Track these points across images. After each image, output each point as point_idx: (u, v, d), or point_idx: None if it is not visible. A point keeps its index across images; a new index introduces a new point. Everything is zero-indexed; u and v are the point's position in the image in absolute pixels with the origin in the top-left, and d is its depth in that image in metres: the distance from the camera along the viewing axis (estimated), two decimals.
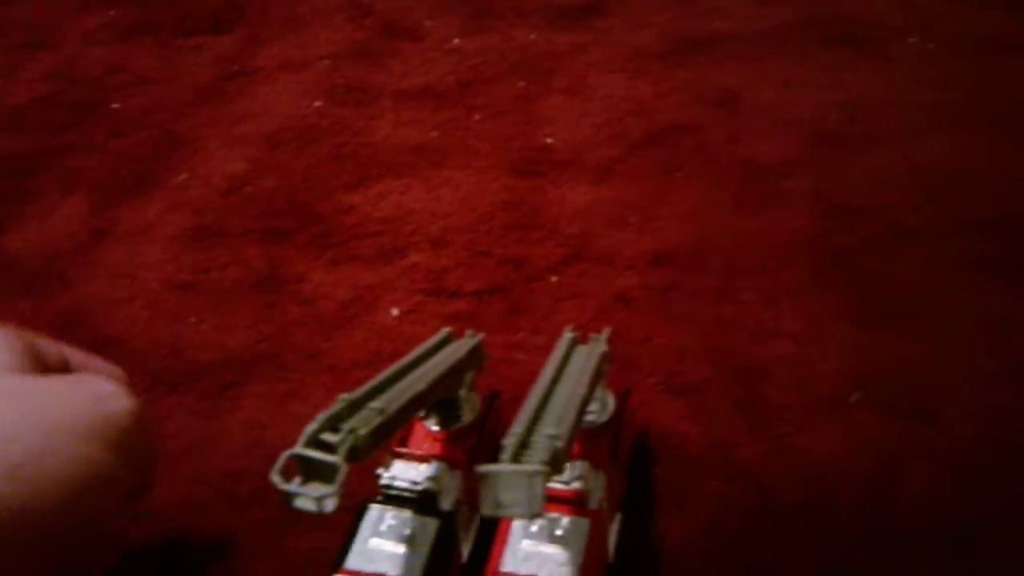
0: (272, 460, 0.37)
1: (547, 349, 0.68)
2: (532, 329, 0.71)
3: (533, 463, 0.37)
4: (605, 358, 0.54)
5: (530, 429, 0.42)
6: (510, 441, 0.39)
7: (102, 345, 0.72)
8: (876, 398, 0.63)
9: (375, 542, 0.48)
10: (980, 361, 0.64)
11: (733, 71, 0.98)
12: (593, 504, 0.51)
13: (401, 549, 0.48)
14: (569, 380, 0.48)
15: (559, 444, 0.39)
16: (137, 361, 0.70)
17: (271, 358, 0.70)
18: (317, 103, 0.99)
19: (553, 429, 0.40)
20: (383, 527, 0.49)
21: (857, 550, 0.54)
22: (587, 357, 0.51)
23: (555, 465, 0.39)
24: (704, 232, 0.78)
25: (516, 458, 0.39)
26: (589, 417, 0.55)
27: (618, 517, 0.55)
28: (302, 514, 0.37)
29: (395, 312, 0.73)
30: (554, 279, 0.75)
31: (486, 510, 0.37)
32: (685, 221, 0.79)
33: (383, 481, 0.52)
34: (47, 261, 0.80)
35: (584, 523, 0.49)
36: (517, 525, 0.49)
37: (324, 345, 0.71)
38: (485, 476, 0.37)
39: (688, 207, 0.81)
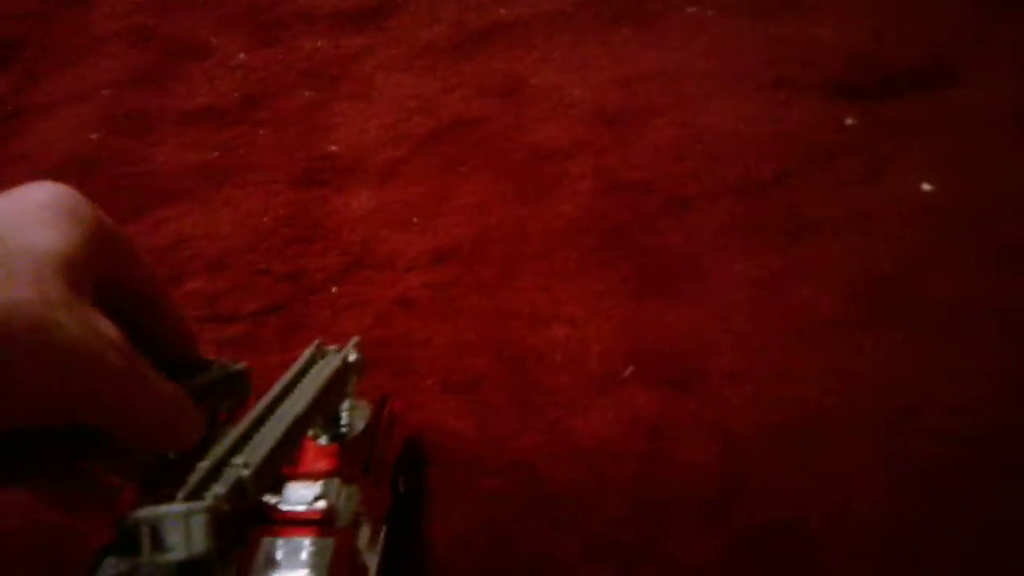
0: None
1: None
2: (308, 343, 0.69)
3: (207, 498, 0.35)
4: (351, 369, 0.53)
5: (224, 459, 0.40)
6: (193, 477, 0.37)
7: None
8: (647, 370, 0.63)
9: None
10: (741, 322, 0.65)
11: (518, 58, 0.98)
12: (343, 522, 0.49)
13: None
14: (292, 400, 0.46)
15: (245, 473, 0.38)
16: None
17: None
18: (95, 135, 0.94)
19: (243, 457, 0.38)
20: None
21: (626, 527, 0.54)
22: (320, 371, 0.50)
23: (241, 495, 0.37)
24: (487, 224, 0.77)
25: (197, 494, 0.37)
26: (341, 431, 0.53)
27: (384, 529, 0.54)
28: None
29: None
30: (334, 290, 0.73)
31: (148, 557, 0.35)
32: (468, 215, 0.78)
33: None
34: None
35: (329, 543, 0.47)
36: (261, 555, 0.47)
37: None
38: (146, 521, 0.34)
39: (471, 200, 0.80)
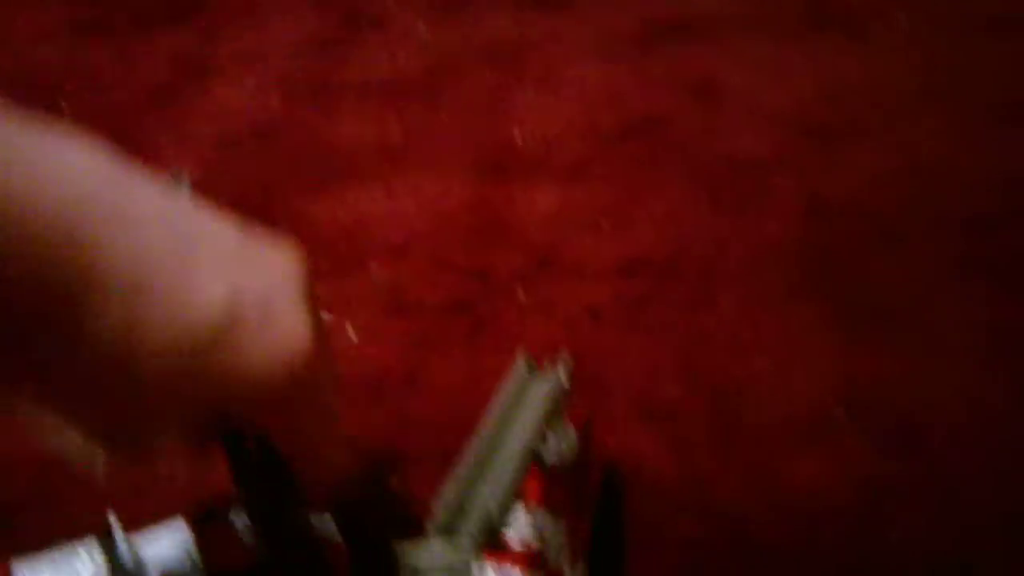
0: None
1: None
2: (497, 349, 0.66)
3: (463, 547, 0.33)
4: (563, 393, 0.50)
5: (470, 490, 0.38)
6: (441, 511, 0.35)
7: None
8: (860, 418, 0.59)
9: None
10: (970, 376, 0.60)
11: (710, 57, 0.93)
12: (552, 560, 0.47)
13: None
14: (518, 425, 0.44)
15: (492, 506, 0.35)
16: None
17: None
18: (276, 102, 0.94)
19: (491, 497, 0.36)
20: None
21: None
22: (541, 396, 0.47)
23: (490, 531, 0.35)
24: (680, 236, 0.73)
25: (447, 528, 0.35)
26: (548, 457, 0.50)
27: (579, 567, 0.51)
28: None
29: (353, 334, 0.69)
30: (521, 292, 0.70)
31: None
32: (660, 224, 0.75)
33: None
34: None
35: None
36: None
37: None
38: (408, 560, 0.32)
39: (664, 208, 0.76)
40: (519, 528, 0.46)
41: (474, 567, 0.33)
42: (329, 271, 0.74)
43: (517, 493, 0.41)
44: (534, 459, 0.49)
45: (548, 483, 0.49)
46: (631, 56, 0.95)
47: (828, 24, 0.95)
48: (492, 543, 0.36)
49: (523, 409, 0.46)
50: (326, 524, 0.34)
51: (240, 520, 0.37)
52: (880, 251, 0.70)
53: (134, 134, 0.90)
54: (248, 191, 0.82)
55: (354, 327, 0.69)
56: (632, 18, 1.00)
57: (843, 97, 0.86)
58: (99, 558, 0.42)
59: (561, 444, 0.49)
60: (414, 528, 0.38)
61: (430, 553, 0.34)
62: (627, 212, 0.76)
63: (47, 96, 0.98)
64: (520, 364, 0.49)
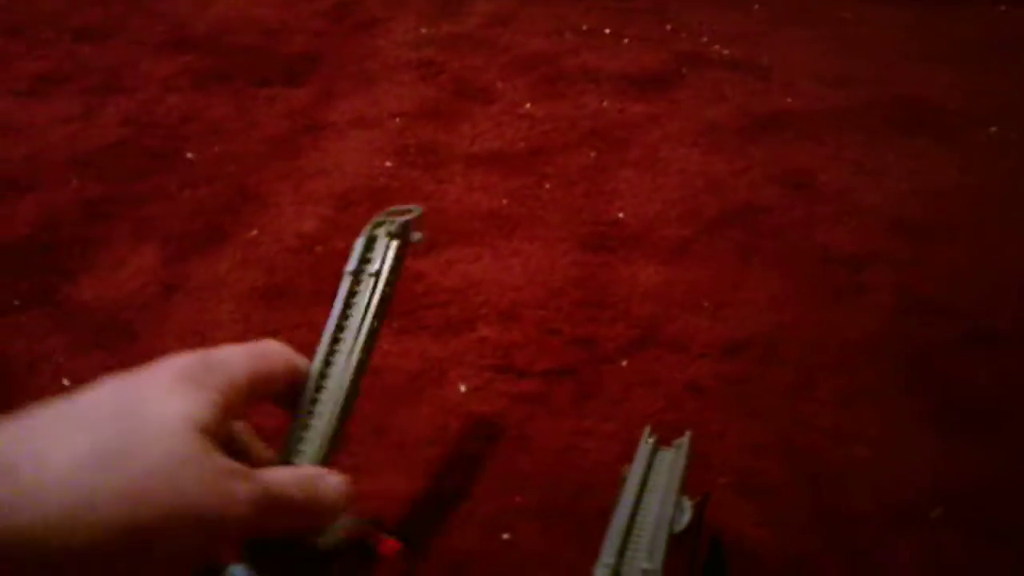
0: None
1: (617, 438, 0.67)
2: (602, 416, 0.69)
3: None
4: (686, 467, 0.53)
5: (620, 556, 0.41)
6: (602, 573, 0.38)
7: None
8: (957, 515, 0.61)
9: None
10: None
11: (807, 151, 0.97)
12: None
13: None
14: (655, 495, 0.47)
15: None
16: None
17: None
18: (388, 163, 0.99)
19: (647, 563, 0.39)
20: None
21: None
22: (671, 469, 0.50)
23: None
24: (780, 322, 0.76)
25: None
26: (675, 528, 0.53)
27: None
28: None
29: (463, 388, 0.72)
30: (624, 363, 0.74)
31: None
32: (760, 309, 0.78)
33: None
34: (117, 312, 0.80)
35: None
36: None
37: (390, 419, 0.70)
38: None
39: (763, 294, 0.79)
40: None
41: None
42: (442, 328, 0.77)
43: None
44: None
45: (672, 552, 0.52)
46: (730, 145, 0.99)
47: (920, 129, 0.99)
48: None
49: (657, 482, 0.49)
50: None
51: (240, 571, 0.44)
52: (972, 349, 0.72)
53: (256, 187, 0.96)
54: None
55: (465, 384, 0.73)
56: (730, 108, 1.05)
57: (936, 199, 0.89)
58: None
59: (683, 515, 0.53)
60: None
61: None
62: (727, 295, 0.80)
63: (172, 143, 1.04)
64: (648, 439, 0.52)
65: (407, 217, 0.55)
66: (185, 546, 0.35)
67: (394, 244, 0.53)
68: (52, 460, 0.33)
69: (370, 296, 0.52)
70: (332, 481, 0.46)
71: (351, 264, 0.53)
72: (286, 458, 0.47)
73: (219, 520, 0.36)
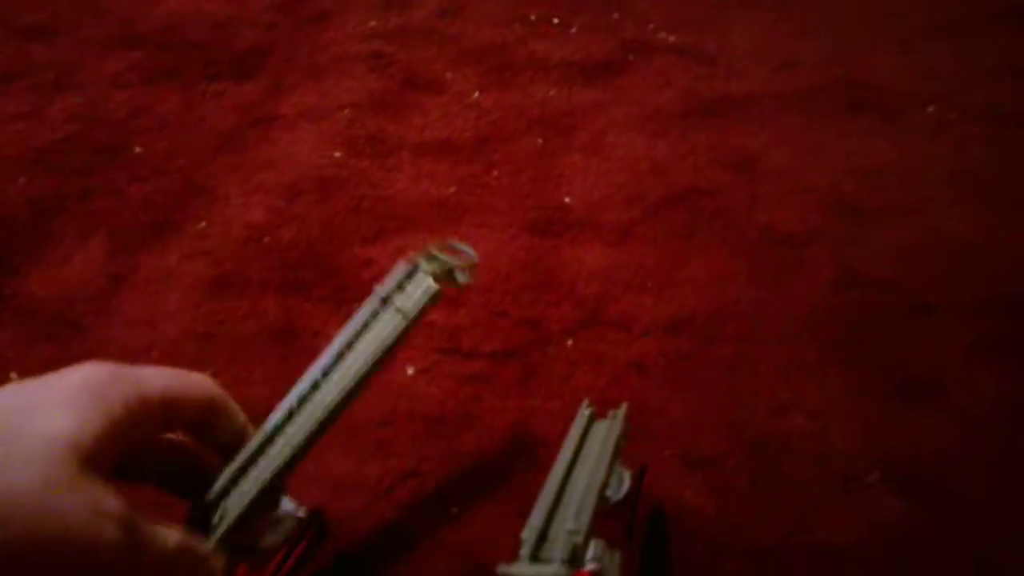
0: None
1: (563, 415, 0.68)
2: (547, 394, 0.71)
3: (554, 562, 0.37)
4: (623, 437, 0.54)
5: (549, 520, 0.42)
6: (529, 535, 0.39)
7: None
8: (894, 480, 0.62)
9: None
10: (999, 445, 0.64)
11: (751, 134, 0.99)
12: None
13: None
14: (587, 463, 0.48)
15: (578, 540, 0.39)
16: None
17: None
18: (337, 153, 0.99)
19: (573, 523, 0.40)
20: None
21: None
22: (605, 439, 0.51)
23: (574, 562, 0.39)
24: (721, 299, 0.78)
25: (535, 554, 0.39)
26: (611, 496, 0.54)
27: None
28: None
29: (410, 371, 0.73)
30: (570, 342, 0.75)
31: None
32: (702, 287, 0.79)
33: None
34: (65, 306, 0.80)
35: None
36: None
37: None
38: None
39: (706, 273, 0.81)
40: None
41: None
42: None
43: (592, 528, 0.45)
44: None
45: (604, 516, 0.53)
46: (674, 129, 1.00)
47: (862, 110, 1.01)
48: (575, 569, 0.40)
49: (590, 451, 0.50)
50: None
51: None
52: (909, 323, 0.74)
53: (204, 180, 0.96)
54: (313, 236, 0.87)
55: (412, 367, 0.73)
56: (676, 94, 1.06)
57: (875, 178, 0.91)
58: None
59: (619, 484, 0.54)
60: None
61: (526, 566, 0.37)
62: (670, 275, 0.81)
63: (121, 137, 1.04)
64: (584, 410, 0.54)
65: (460, 263, 0.53)
66: (52, 566, 0.32)
67: (432, 287, 0.51)
68: None
69: (389, 331, 0.50)
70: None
71: (384, 289, 0.51)
72: (217, 494, 0.44)
73: (85, 554, 0.33)
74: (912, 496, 0.61)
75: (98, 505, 0.34)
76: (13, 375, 0.74)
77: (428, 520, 0.62)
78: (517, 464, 0.66)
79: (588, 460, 0.48)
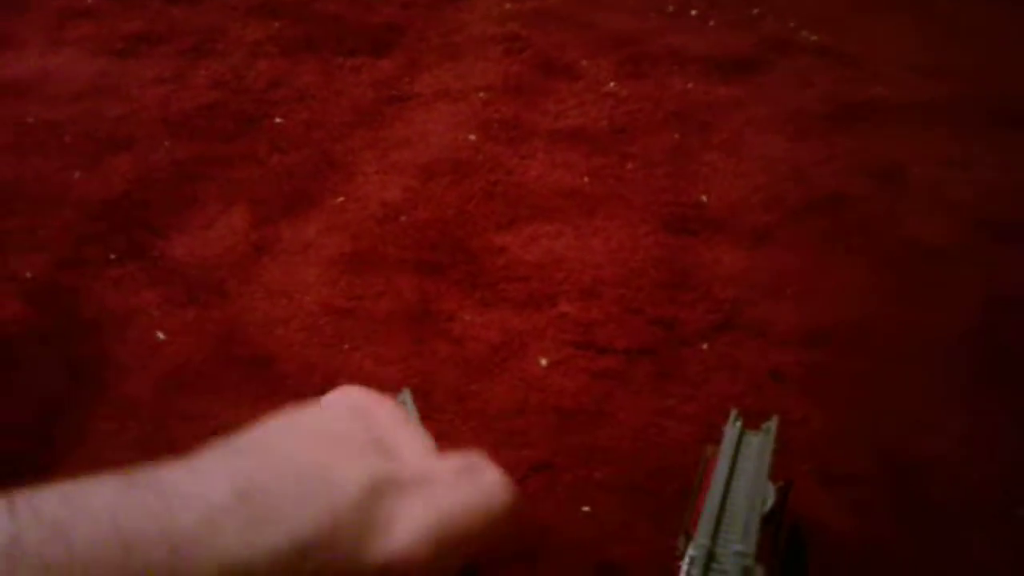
0: None
1: (697, 420, 0.68)
2: (682, 396, 0.70)
3: None
4: (772, 452, 0.53)
5: (714, 538, 0.41)
6: (698, 553, 0.39)
7: (257, 363, 0.74)
8: None
9: None
10: None
11: (895, 141, 0.96)
12: None
13: None
14: (745, 479, 0.48)
15: (748, 563, 0.39)
16: (289, 384, 0.71)
17: (420, 395, 0.70)
18: (472, 136, 1.00)
19: (741, 545, 0.40)
20: None
21: None
22: (760, 454, 0.51)
23: None
24: (864, 313, 0.76)
25: (705, 574, 0.38)
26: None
27: None
28: None
29: (544, 362, 0.73)
30: (705, 346, 0.74)
31: None
32: (844, 298, 0.77)
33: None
34: (208, 272, 0.83)
35: None
36: None
37: (472, 388, 0.71)
38: None
39: (847, 284, 0.79)
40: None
41: None
42: (523, 302, 0.78)
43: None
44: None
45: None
46: (816, 132, 0.98)
47: (1012, 123, 0.97)
48: None
49: (746, 465, 0.49)
50: None
51: None
52: None
53: (342, 154, 0.98)
54: (448, 218, 0.88)
55: (546, 359, 0.74)
56: (817, 95, 1.04)
57: None
58: None
59: (767, 499, 0.53)
60: None
61: None
62: (810, 283, 0.79)
63: (262, 107, 1.06)
64: (734, 422, 0.53)
65: None
66: None
67: None
68: None
69: None
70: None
71: None
72: None
73: None
74: None
75: None
76: (160, 335, 0.76)
77: (558, 514, 0.62)
78: (649, 465, 0.65)
79: (746, 475, 0.48)
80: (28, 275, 0.81)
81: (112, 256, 0.84)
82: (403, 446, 0.31)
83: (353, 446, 0.30)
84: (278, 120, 1.03)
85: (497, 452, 0.68)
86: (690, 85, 1.07)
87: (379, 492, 0.26)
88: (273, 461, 0.27)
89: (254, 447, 0.28)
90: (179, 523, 0.23)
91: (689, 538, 0.43)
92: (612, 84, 1.08)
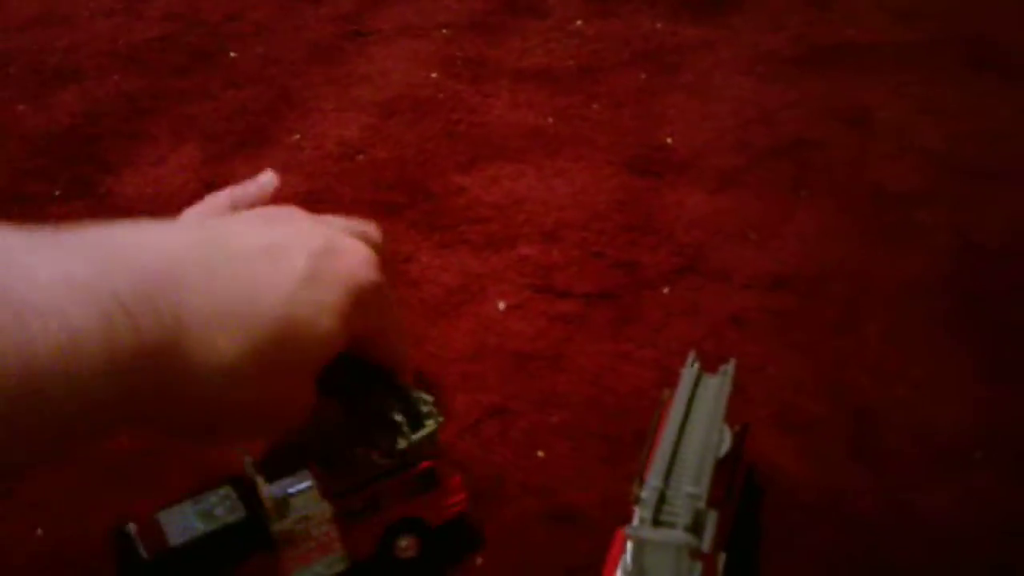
0: None
1: (655, 364, 0.67)
2: (641, 341, 0.69)
3: (678, 528, 0.36)
4: (728, 397, 0.52)
5: (666, 481, 0.40)
6: (649, 496, 0.38)
7: None
8: (999, 459, 0.60)
9: None
10: None
11: (866, 85, 0.94)
12: (706, 546, 0.49)
13: None
14: (701, 422, 0.46)
15: (700, 505, 0.38)
16: None
17: None
18: (433, 74, 0.97)
19: (693, 487, 0.39)
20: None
21: None
22: (717, 398, 0.49)
23: (698, 529, 0.38)
24: (828, 258, 0.75)
25: (657, 517, 0.37)
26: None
27: (723, 556, 0.53)
28: None
29: (502, 305, 0.72)
30: (666, 290, 0.73)
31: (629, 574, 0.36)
32: (808, 243, 0.76)
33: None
34: (158, 209, 0.80)
35: (697, 567, 0.47)
36: (623, 560, 0.48)
37: (429, 331, 0.70)
38: (633, 540, 0.35)
39: (812, 229, 0.78)
40: None
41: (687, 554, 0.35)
42: (482, 244, 0.77)
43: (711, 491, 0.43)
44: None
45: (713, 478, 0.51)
46: (785, 75, 0.96)
47: (986, 66, 0.96)
48: (699, 535, 0.39)
49: (702, 408, 0.48)
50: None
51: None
52: None
53: (299, 91, 0.95)
54: (407, 158, 0.85)
55: (504, 302, 0.72)
56: (788, 37, 1.02)
57: (995, 140, 0.86)
58: (237, 500, 0.47)
59: (723, 443, 0.52)
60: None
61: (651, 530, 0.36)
62: (775, 227, 0.78)
63: (216, 40, 1.02)
64: (692, 364, 0.52)
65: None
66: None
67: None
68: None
69: None
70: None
71: None
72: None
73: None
74: (1017, 478, 0.58)
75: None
76: None
77: (514, 459, 0.61)
78: (605, 410, 0.64)
79: (701, 419, 0.46)
80: None
81: (57, 192, 0.81)
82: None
83: (299, 219, 0.49)
84: (233, 54, 1.00)
85: (453, 396, 0.67)
86: (659, 25, 1.04)
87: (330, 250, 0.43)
88: (265, 225, 0.44)
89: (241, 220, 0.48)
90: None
91: (643, 482, 0.42)
92: (579, 22, 1.05)
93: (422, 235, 0.78)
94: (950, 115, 0.90)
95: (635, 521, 0.39)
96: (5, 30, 1.03)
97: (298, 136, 0.88)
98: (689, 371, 0.52)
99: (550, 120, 0.90)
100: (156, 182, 0.82)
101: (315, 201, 0.81)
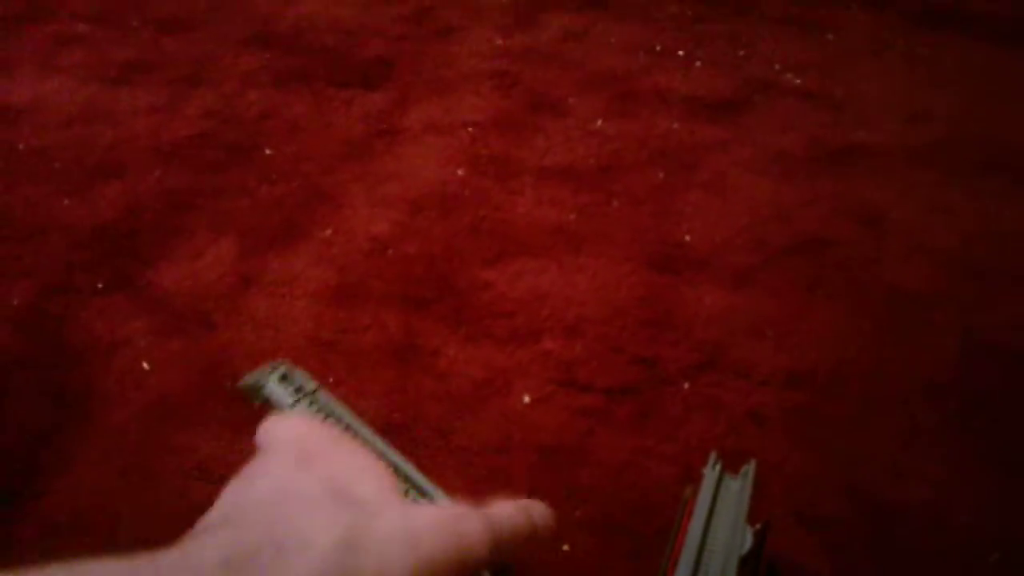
0: None
1: (677, 460, 0.68)
2: (662, 436, 0.71)
3: None
4: (749, 496, 0.54)
5: None
6: None
7: (241, 395, 0.74)
8: (1015, 562, 0.61)
9: None
10: None
11: (878, 187, 0.97)
12: None
13: None
14: (724, 523, 0.48)
15: None
16: None
17: (403, 430, 0.71)
18: (460, 171, 1.01)
19: None
20: None
21: None
22: (739, 499, 0.51)
23: None
24: (843, 356, 0.77)
25: None
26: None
27: None
28: None
29: (526, 399, 0.74)
30: (686, 385, 0.75)
31: None
32: (824, 341, 0.79)
33: None
34: (196, 302, 0.83)
35: None
36: None
37: (455, 423, 0.72)
38: None
39: (827, 327, 0.80)
40: None
41: None
42: (507, 339, 0.79)
43: None
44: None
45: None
46: (799, 175, 0.99)
47: (994, 170, 0.99)
48: None
49: (725, 510, 0.50)
50: None
51: None
52: None
53: (331, 187, 0.98)
54: (435, 253, 0.89)
55: (529, 395, 0.74)
56: (801, 138, 1.05)
57: (1006, 242, 0.89)
58: None
59: (746, 542, 0.54)
60: None
61: None
62: (791, 325, 0.80)
63: (252, 137, 1.07)
64: (714, 465, 0.54)
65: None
66: None
67: None
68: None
69: None
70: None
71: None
72: None
73: None
74: None
75: None
76: (145, 365, 0.77)
77: (540, 553, 0.63)
78: (628, 505, 0.66)
79: (724, 520, 0.48)
80: (15, 302, 0.82)
81: (99, 285, 0.84)
82: (356, 484, 0.32)
83: (315, 503, 0.31)
84: (268, 151, 1.04)
85: (479, 489, 0.69)
86: (676, 125, 1.08)
87: (352, 547, 0.26)
88: (250, 528, 0.28)
89: (229, 518, 0.29)
90: None
91: None
92: (600, 122, 1.09)
93: (450, 328, 0.80)
94: (961, 216, 0.93)
95: None
96: (49, 126, 1.08)
97: (330, 231, 0.91)
98: (711, 473, 0.54)
99: (572, 217, 0.94)
100: (194, 275, 0.86)
101: (346, 295, 0.84)
